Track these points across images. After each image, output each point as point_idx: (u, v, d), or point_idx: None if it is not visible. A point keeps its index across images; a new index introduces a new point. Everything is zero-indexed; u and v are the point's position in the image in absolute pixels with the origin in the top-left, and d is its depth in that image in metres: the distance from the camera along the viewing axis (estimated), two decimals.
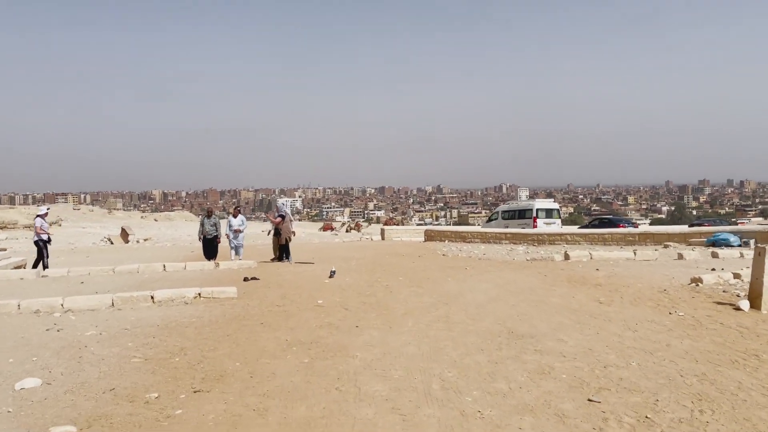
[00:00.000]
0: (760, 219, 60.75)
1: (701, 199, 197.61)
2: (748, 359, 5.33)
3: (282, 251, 15.16)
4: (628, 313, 7.49)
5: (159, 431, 3.94)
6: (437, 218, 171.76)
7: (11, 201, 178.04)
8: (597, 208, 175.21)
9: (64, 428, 3.91)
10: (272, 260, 15.24)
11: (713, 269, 11.11)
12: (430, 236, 24.98)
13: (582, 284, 10.04)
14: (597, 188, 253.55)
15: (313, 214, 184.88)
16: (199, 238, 15.44)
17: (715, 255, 13.82)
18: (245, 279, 11.16)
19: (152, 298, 8.62)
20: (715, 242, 16.72)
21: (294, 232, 15.87)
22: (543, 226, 24.85)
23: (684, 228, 24.05)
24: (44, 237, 13.82)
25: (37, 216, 14.27)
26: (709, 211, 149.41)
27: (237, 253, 15.44)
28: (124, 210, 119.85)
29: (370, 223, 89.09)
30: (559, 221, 26.28)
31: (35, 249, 14.29)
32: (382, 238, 29.69)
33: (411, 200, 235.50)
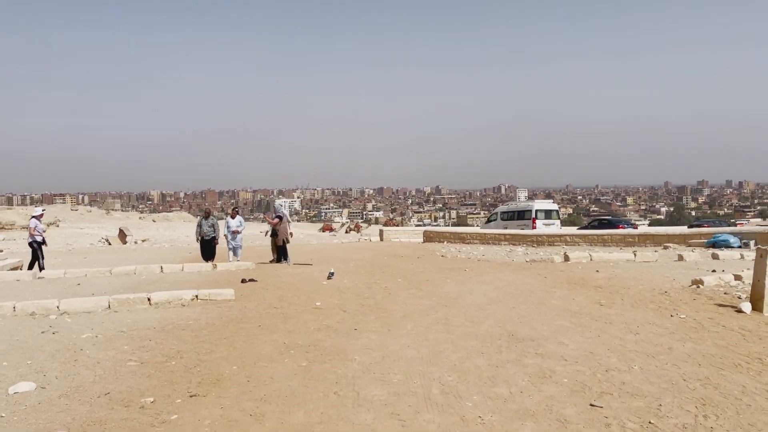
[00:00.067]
0: (758, 220, 60.68)
1: (700, 200, 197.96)
2: (751, 363, 5.27)
3: (280, 253, 15.10)
4: (629, 316, 7.42)
5: None
6: (436, 219, 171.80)
7: (9, 202, 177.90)
8: (596, 208, 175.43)
9: None
10: (271, 262, 15.17)
11: (714, 271, 11.06)
12: (428, 237, 24.93)
13: (582, 286, 9.98)
14: (596, 189, 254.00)
15: (311, 215, 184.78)
16: (197, 239, 15.34)
17: (715, 256, 13.77)
18: (243, 281, 11.09)
19: (149, 300, 8.55)
20: (715, 243, 16.69)
21: (291, 233, 15.79)
22: (542, 227, 24.80)
23: (683, 229, 24.03)
24: (38, 238, 13.69)
25: (32, 217, 14.13)
26: (708, 212, 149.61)
27: (235, 255, 15.36)
28: (122, 211, 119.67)
29: (369, 224, 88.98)
30: (558, 222, 26.23)
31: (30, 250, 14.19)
32: (381, 239, 29.63)
33: (409, 201, 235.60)
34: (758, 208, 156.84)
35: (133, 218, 68.68)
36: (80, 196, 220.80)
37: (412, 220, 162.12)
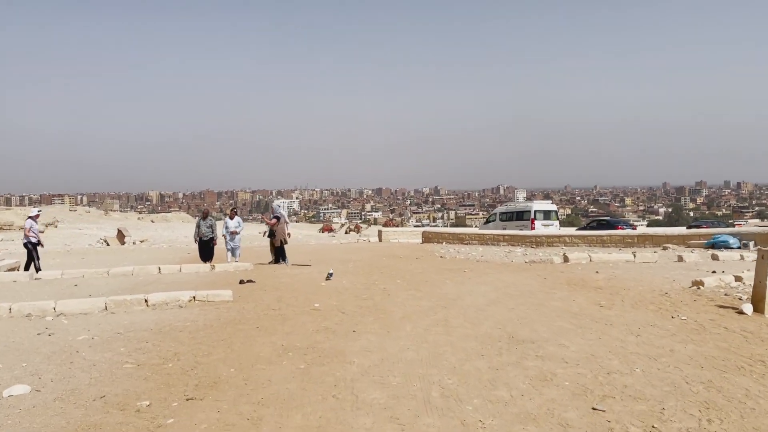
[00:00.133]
0: (756, 221, 60.72)
1: (698, 201, 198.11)
2: (754, 365, 5.22)
3: (278, 253, 15.04)
4: (629, 317, 7.38)
5: None
6: (434, 220, 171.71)
7: (7, 202, 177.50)
8: (594, 209, 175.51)
9: None
10: (269, 263, 15.10)
11: (714, 272, 11.02)
12: (427, 238, 24.88)
13: (582, 287, 9.93)
14: (594, 190, 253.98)
15: (310, 215, 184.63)
16: (195, 240, 15.27)
17: (715, 257, 13.73)
18: (241, 282, 11.03)
19: (146, 301, 8.48)
20: (715, 244, 16.65)
21: (289, 234, 15.73)
22: (541, 227, 24.78)
23: (683, 230, 24.01)
24: (33, 239, 13.55)
25: (28, 218, 13.99)
26: (707, 212, 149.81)
27: (233, 255, 15.30)
28: (120, 211, 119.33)
29: (368, 225, 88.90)
30: (557, 223, 26.22)
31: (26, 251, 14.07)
32: (380, 240, 29.58)
33: (408, 201, 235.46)
34: (756, 208, 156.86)
35: (131, 219, 68.52)
36: (79, 197, 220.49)
37: (410, 220, 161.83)
